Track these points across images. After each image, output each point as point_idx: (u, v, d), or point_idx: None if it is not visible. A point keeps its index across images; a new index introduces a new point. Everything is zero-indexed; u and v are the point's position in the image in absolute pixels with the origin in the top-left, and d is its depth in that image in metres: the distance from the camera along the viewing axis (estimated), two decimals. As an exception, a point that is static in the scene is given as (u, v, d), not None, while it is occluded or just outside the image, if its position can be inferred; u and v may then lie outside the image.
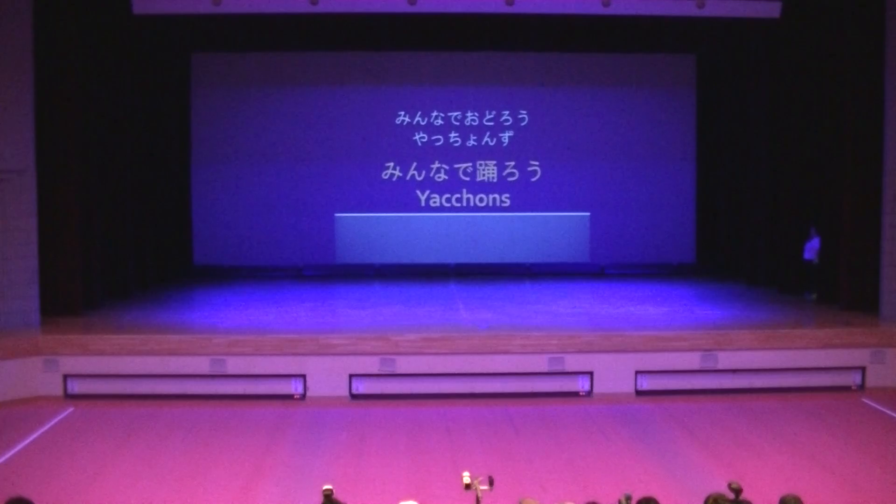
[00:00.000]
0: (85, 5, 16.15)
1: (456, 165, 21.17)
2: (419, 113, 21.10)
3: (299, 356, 14.04)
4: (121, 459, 11.18)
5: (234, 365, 13.96)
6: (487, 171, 21.22)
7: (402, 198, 21.13)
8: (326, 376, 14.00)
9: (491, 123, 21.18)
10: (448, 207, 21.22)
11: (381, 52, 20.71)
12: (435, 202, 21.20)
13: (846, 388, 14.27)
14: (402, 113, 21.09)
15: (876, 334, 14.67)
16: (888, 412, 13.18)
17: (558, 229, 21.27)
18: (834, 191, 16.78)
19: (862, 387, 14.30)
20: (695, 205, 21.48)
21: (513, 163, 21.22)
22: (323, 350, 14.07)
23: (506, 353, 14.13)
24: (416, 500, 7.19)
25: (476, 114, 21.16)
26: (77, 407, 13.46)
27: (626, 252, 21.42)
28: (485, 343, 14.21)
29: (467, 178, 21.20)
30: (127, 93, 18.10)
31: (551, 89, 21.16)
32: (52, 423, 12.73)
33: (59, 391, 13.93)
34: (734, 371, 14.27)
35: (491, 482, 6.70)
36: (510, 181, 21.24)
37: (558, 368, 14.12)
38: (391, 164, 21.09)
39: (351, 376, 14.00)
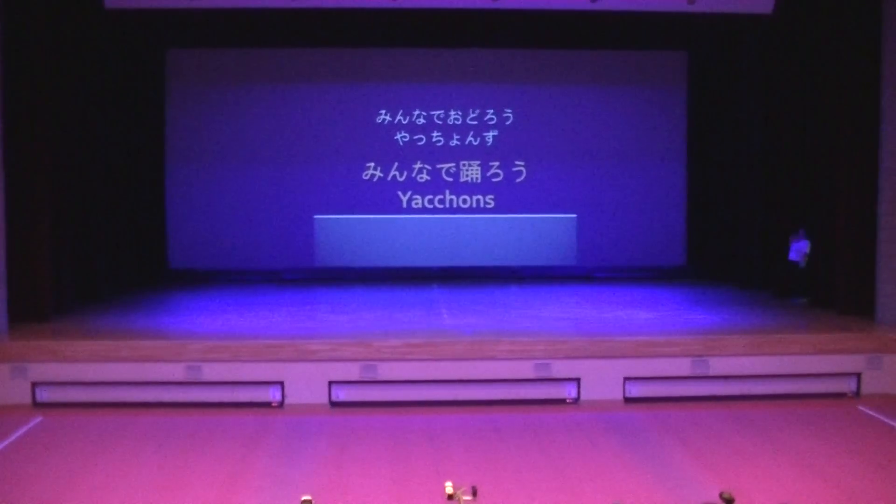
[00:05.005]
0: (55, -1, 15.95)
1: (439, 166, 20.98)
2: (401, 111, 20.92)
3: (278, 362, 13.86)
4: (92, 471, 10.97)
5: (211, 372, 13.81)
6: (471, 171, 21.04)
7: (383, 199, 20.96)
8: (305, 383, 13.83)
9: (475, 122, 21.02)
10: (431, 209, 21.07)
11: (361, 49, 20.57)
12: (417, 203, 21.02)
13: (842, 395, 14.16)
14: (384, 111, 20.90)
15: (872, 339, 14.50)
16: (885, 419, 13.05)
17: (544, 231, 21.13)
18: (829, 191, 16.68)
19: (858, 393, 14.17)
20: (685, 206, 21.38)
21: (497, 163, 21.06)
22: (302, 356, 13.90)
23: (491, 359, 13.95)
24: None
25: (459, 112, 21.00)
26: (46, 416, 13.23)
27: (614, 255, 21.27)
28: (469, 349, 14.02)
29: (450, 179, 21.03)
30: (100, 90, 17.89)
31: (537, 87, 20.99)
32: (20, 433, 12.50)
33: (27, 399, 13.69)
34: (726, 377, 14.10)
35: (474, 492, 6.73)
36: (495, 182, 21.06)
37: (545, 375, 13.94)
38: (372, 165, 20.90)
39: (331, 383, 13.82)
